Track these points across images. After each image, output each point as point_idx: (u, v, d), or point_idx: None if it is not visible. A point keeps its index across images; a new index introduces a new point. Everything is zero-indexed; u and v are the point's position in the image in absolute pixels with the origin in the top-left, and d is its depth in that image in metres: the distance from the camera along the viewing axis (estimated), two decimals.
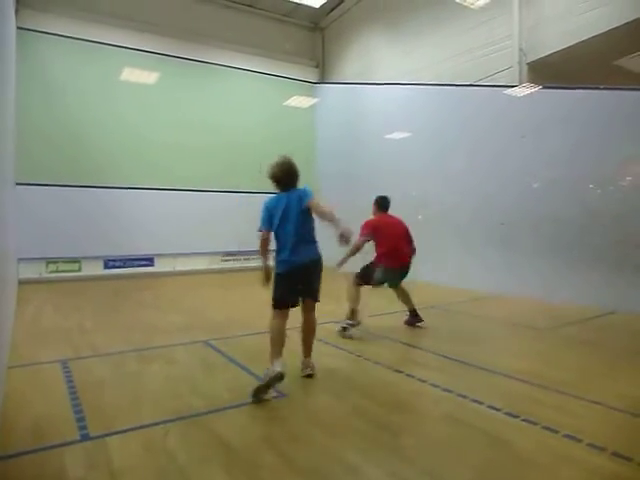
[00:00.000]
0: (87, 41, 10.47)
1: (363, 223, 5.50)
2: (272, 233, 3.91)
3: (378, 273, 5.46)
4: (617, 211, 6.63)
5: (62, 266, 10.31)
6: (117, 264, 10.91)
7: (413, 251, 5.74)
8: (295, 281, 3.78)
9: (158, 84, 11.38)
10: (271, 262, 3.94)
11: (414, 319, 5.75)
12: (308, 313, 3.91)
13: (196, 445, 2.70)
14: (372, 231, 5.43)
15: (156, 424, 2.95)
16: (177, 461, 2.50)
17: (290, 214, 3.81)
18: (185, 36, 11.73)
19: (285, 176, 4.03)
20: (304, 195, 3.81)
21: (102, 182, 10.62)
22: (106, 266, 10.80)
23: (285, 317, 3.76)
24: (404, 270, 5.61)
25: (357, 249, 5.23)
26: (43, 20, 10.00)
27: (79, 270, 10.48)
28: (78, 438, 2.77)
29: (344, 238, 3.54)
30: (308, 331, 3.95)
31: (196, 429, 2.91)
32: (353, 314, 5.34)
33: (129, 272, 10.93)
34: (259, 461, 2.51)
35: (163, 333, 5.42)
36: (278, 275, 3.80)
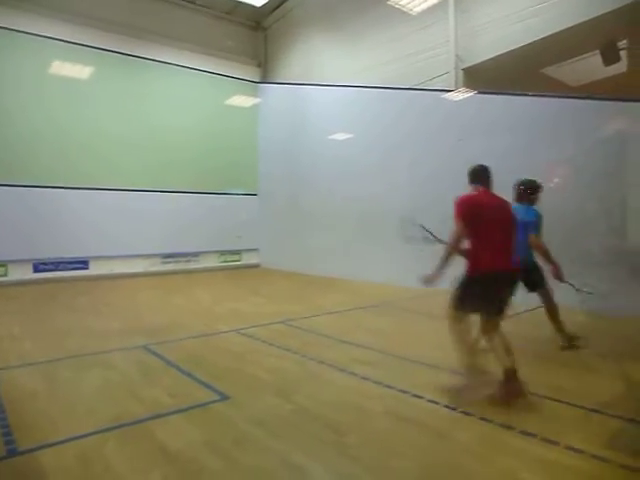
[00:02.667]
0: (17, 32, 9.86)
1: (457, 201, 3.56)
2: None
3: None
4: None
5: None
6: (48, 267, 10.34)
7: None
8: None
9: (92, 80, 10.90)
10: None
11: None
12: None
13: (136, 454, 2.61)
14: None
15: (93, 434, 2.83)
16: (116, 471, 2.41)
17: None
18: (124, 31, 11.31)
19: None
20: None
21: (29, 181, 10.03)
22: (36, 270, 10.21)
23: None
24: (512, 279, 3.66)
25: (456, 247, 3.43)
26: None
27: (5, 274, 9.85)
28: (4, 454, 2.60)
29: None
30: None
31: (136, 437, 2.81)
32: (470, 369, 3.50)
33: (62, 276, 10.39)
34: (202, 466, 2.47)
35: (100, 338, 5.19)
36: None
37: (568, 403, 3.25)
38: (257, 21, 13.71)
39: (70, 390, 3.65)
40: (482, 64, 8.26)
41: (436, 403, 3.28)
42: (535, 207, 4.67)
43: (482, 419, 3.00)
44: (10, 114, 9.87)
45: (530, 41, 7.42)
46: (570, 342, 4.58)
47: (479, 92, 8.05)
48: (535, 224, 4.51)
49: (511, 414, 3.07)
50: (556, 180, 7.05)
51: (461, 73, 8.50)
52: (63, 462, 2.51)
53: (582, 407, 3.18)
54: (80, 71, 10.73)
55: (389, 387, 3.62)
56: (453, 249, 3.41)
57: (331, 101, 11.22)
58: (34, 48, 10.12)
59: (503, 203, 3.63)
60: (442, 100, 8.56)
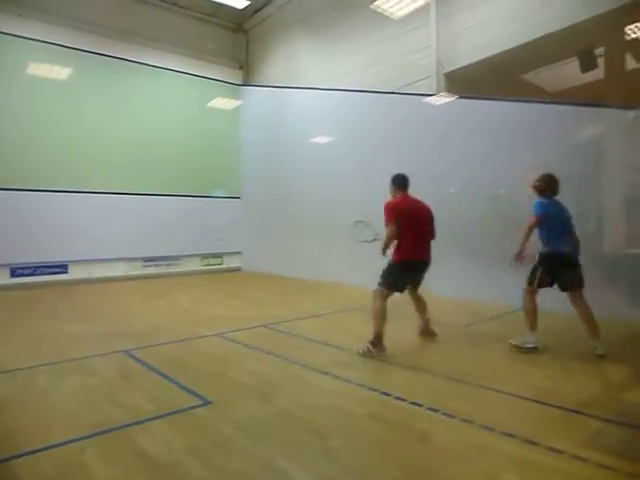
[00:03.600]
0: (3, 34, 9.69)
1: (386, 205, 4.69)
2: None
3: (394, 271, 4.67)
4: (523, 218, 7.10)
5: None
6: (26, 272, 10.12)
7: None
8: None
9: (73, 81, 10.74)
10: None
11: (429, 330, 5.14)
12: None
13: (116, 461, 2.56)
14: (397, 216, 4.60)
15: (72, 441, 2.78)
16: (97, 479, 2.37)
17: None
18: (107, 33, 11.16)
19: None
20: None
21: (6, 183, 9.82)
22: (13, 274, 9.99)
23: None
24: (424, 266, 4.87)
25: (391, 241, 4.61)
26: None
27: None
28: None
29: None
30: None
31: (116, 444, 2.77)
32: (377, 338, 4.57)
33: (40, 280, 10.19)
34: (184, 472, 2.44)
35: (78, 344, 5.11)
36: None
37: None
38: (239, 23, 13.67)
39: (47, 397, 3.58)
40: (463, 69, 8.35)
41: (419, 405, 3.30)
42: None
43: (464, 421, 3.03)
44: None
45: (510, 47, 7.51)
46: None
47: (460, 97, 8.14)
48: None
49: (496, 415, 3.10)
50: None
51: (442, 77, 8.58)
52: (41, 471, 2.45)
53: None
54: (63, 73, 10.57)
55: (372, 389, 3.63)
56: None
57: (313, 104, 11.23)
58: (18, 50, 9.93)
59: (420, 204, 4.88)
60: (423, 104, 8.64)
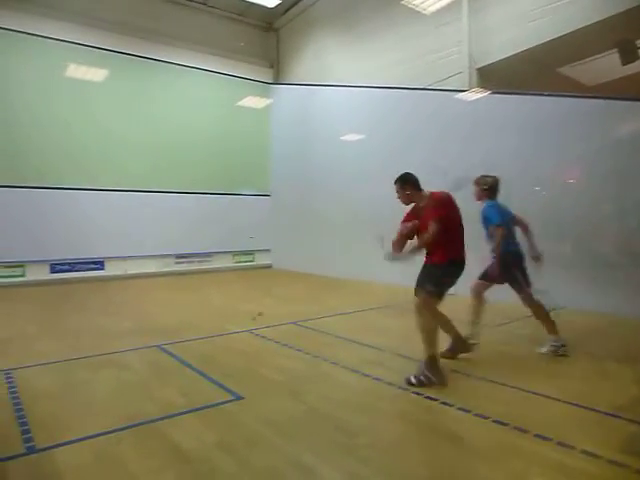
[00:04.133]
0: (29, 34, 9.99)
1: (437, 198, 3.98)
2: None
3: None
4: (556, 216, 6.93)
5: (3, 271, 9.80)
6: (64, 268, 10.48)
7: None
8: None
9: (106, 82, 11.03)
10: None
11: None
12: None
13: (150, 453, 2.63)
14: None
15: (107, 433, 2.86)
16: (130, 470, 2.44)
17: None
18: (136, 33, 11.40)
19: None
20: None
21: (46, 183, 10.18)
22: (53, 270, 10.35)
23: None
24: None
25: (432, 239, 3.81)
26: None
27: (23, 275, 9.99)
28: (23, 451, 2.64)
29: None
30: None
31: (150, 436, 2.84)
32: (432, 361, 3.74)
33: (78, 276, 10.52)
34: (215, 466, 2.48)
35: (114, 338, 5.25)
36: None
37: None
38: (269, 22, 13.75)
39: (85, 389, 3.70)
40: (496, 64, 8.19)
41: (449, 405, 3.26)
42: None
43: (496, 422, 2.98)
44: (21, 117, 9.99)
45: (544, 41, 7.32)
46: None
47: (493, 92, 7.98)
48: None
49: (530, 417, 3.04)
50: (570, 181, 6.98)
51: (475, 73, 8.44)
52: (79, 460, 2.54)
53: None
54: (94, 74, 10.85)
55: (402, 389, 3.61)
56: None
57: (342, 101, 11.21)
58: (47, 51, 10.26)
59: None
60: (452, 100, 8.51)
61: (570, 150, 6.89)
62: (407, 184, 4.05)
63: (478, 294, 4.74)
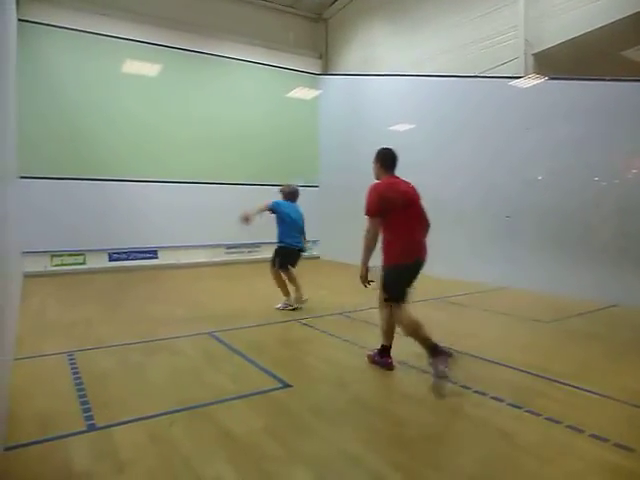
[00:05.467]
0: (89, 33, 10.40)
1: (369, 190, 3.85)
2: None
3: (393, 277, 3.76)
4: (621, 204, 6.60)
5: (67, 259, 10.35)
6: (121, 257, 10.94)
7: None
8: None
9: (160, 76, 11.34)
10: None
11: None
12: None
13: (201, 436, 2.72)
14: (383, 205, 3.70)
15: (161, 415, 2.98)
16: (182, 452, 2.53)
17: None
18: (187, 28, 11.65)
19: None
20: None
21: (106, 175, 10.62)
22: (110, 259, 10.83)
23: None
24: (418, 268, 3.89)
25: (374, 239, 3.78)
26: (44, 12, 9.92)
27: (83, 263, 10.52)
28: (84, 429, 2.79)
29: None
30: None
31: (201, 420, 2.93)
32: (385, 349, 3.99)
33: (133, 265, 10.96)
34: (263, 452, 2.53)
35: (167, 325, 5.45)
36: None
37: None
38: (318, 13, 13.70)
39: (140, 373, 3.86)
40: (553, 48, 7.83)
41: (500, 400, 3.19)
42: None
43: (549, 420, 2.88)
44: (86, 112, 10.43)
45: (606, 23, 6.92)
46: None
47: (551, 78, 7.64)
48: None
49: (586, 416, 2.93)
50: (633, 171, 6.62)
51: (531, 58, 8.10)
52: (135, 440, 2.66)
53: None
54: (148, 68, 11.16)
55: (450, 382, 3.55)
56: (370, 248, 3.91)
57: (391, 91, 11.05)
58: (108, 49, 10.65)
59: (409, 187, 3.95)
60: (505, 87, 8.21)
61: (633, 138, 6.52)
62: (377, 158, 3.97)
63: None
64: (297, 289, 6.32)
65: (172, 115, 11.44)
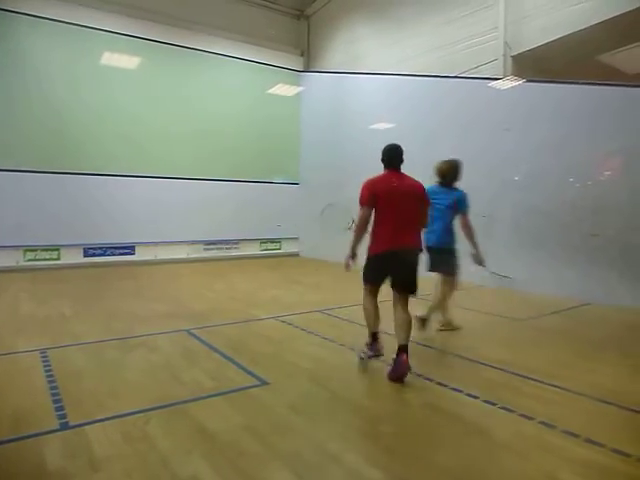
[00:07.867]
0: (69, 24, 10.17)
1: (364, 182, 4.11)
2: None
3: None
4: (595, 205, 6.75)
5: (40, 254, 10.13)
6: (97, 252, 10.75)
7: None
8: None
9: (141, 69, 11.17)
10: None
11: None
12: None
13: (178, 433, 2.69)
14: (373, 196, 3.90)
15: (137, 412, 2.94)
16: (158, 450, 2.50)
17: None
18: (169, 21, 11.49)
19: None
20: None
21: (82, 169, 10.41)
22: (86, 254, 10.64)
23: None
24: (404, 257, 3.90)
25: (363, 228, 3.92)
26: (23, 1, 9.69)
27: (58, 258, 10.31)
28: (57, 427, 2.74)
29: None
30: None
31: (178, 417, 2.90)
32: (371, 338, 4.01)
33: (109, 260, 10.79)
34: (241, 449, 2.52)
35: (144, 322, 5.38)
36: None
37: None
38: (300, 10, 13.67)
39: (116, 370, 3.80)
40: (532, 51, 7.95)
41: (475, 397, 3.23)
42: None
43: (523, 416, 2.94)
44: (57, 106, 10.18)
45: (583, 27, 7.07)
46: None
47: (528, 80, 7.76)
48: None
49: (558, 412, 2.99)
50: (607, 173, 6.77)
51: (510, 60, 8.22)
52: (109, 438, 2.62)
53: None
54: (128, 61, 10.97)
55: (428, 379, 3.59)
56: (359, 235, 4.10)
57: (372, 90, 11.09)
58: (86, 40, 10.43)
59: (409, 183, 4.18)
60: (484, 88, 8.32)
61: (612, 140, 6.67)
62: (383, 153, 4.27)
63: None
64: None
65: (152, 109, 11.28)
